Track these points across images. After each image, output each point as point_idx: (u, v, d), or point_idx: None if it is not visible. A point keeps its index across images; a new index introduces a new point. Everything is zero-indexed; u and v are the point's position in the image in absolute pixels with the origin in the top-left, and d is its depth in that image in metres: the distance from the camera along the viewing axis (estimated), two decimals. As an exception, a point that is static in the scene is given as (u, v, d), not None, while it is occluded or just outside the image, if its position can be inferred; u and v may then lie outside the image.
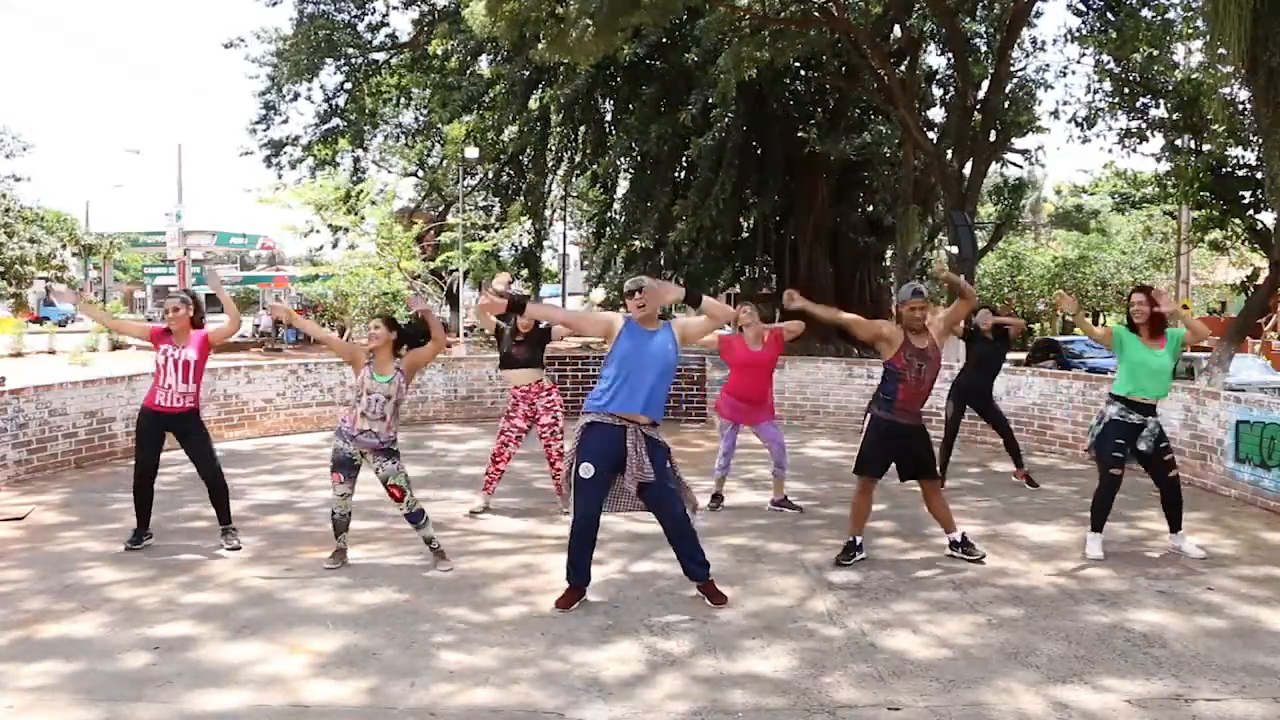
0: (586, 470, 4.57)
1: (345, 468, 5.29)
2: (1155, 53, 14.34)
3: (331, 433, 10.75)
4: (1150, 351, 5.55)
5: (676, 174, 21.23)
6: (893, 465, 5.55)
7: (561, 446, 6.74)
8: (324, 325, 31.17)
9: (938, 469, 5.67)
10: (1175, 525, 5.74)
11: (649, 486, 4.61)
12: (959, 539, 5.58)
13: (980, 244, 18.59)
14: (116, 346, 26.62)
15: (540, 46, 14.63)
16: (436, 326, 5.46)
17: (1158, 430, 5.59)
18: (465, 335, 25.28)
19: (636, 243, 19.56)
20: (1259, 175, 13.36)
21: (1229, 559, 5.59)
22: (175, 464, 5.94)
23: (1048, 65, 30.76)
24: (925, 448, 5.49)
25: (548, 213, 28.78)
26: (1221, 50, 8.80)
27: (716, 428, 6.93)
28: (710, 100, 16.87)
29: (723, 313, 4.92)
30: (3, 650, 4.12)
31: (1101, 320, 32.78)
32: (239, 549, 5.67)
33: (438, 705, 3.62)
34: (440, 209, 34.13)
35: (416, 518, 5.34)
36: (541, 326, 6.74)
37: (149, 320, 38.17)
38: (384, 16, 23.48)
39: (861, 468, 5.47)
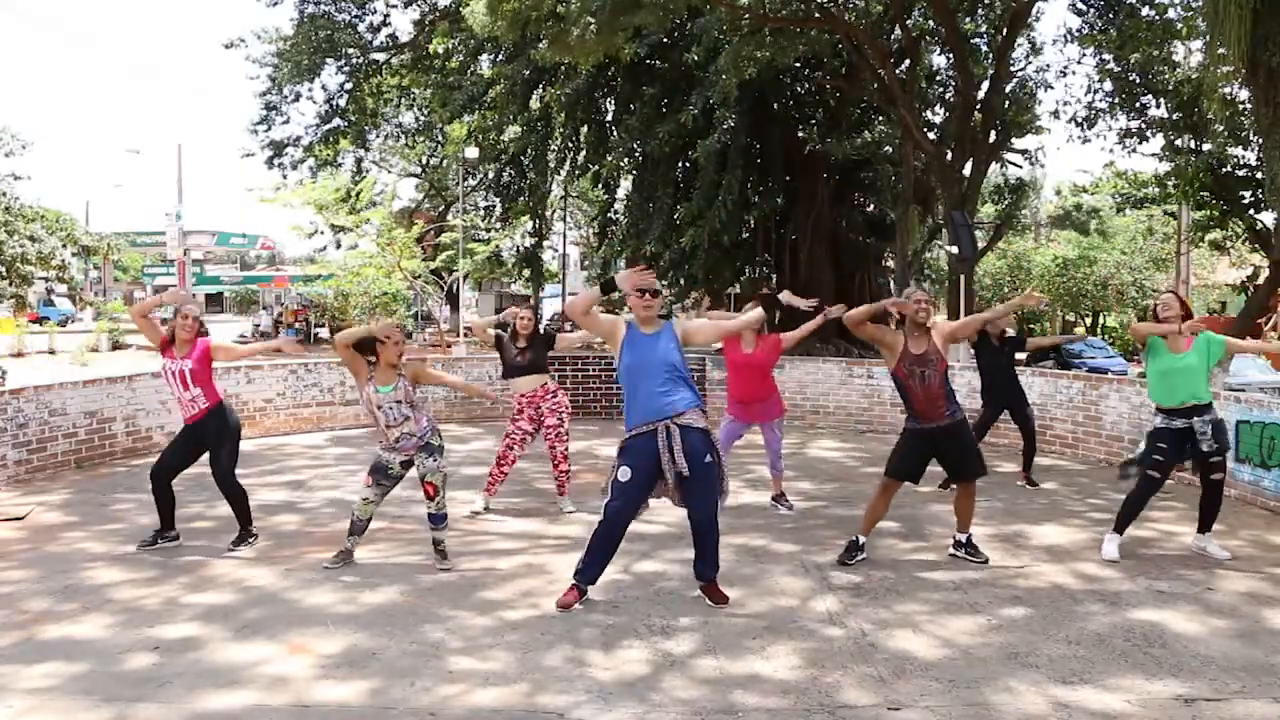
0: (624, 474, 4.58)
1: (380, 473, 5.31)
2: (1155, 52, 14.34)
3: (333, 432, 10.81)
4: (1174, 356, 5.49)
5: (678, 174, 21.22)
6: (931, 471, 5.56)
7: (566, 448, 6.75)
8: (324, 325, 31.23)
9: (976, 469, 5.54)
10: (1204, 526, 5.70)
11: (685, 477, 4.61)
12: (964, 540, 5.58)
13: (980, 244, 18.59)
14: (116, 346, 26.62)
15: (541, 46, 14.63)
16: (468, 387, 5.81)
17: (1209, 429, 5.43)
18: (465, 335, 25.29)
19: (646, 248, 19.52)
20: (1259, 175, 13.38)
21: (1230, 559, 5.59)
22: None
23: (1048, 65, 30.65)
24: (959, 448, 5.42)
25: (548, 213, 28.79)
26: (1221, 50, 8.79)
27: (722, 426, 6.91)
28: (712, 100, 16.87)
29: (743, 324, 5.30)
30: (4, 651, 4.12)
31: (1101, 320, 32.79)
32: (232, 550, 5.66)
33: (440, 706, 3.63)
34: (441, 209, 34.15)
35: (439, 520, 5.36)
36: (544, 331, 6.77)
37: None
38: (385, 16, 23.47)
39: (887, 467, 5.52)
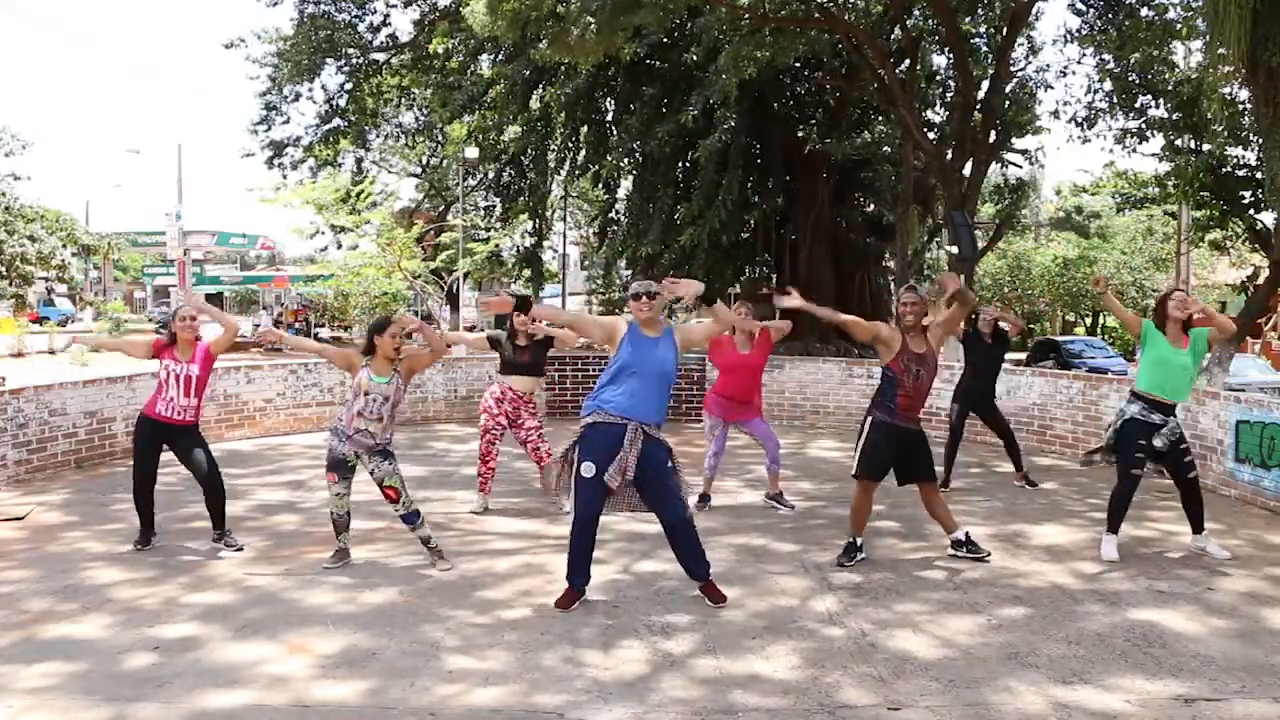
0: (588, 469, 4.55)
1: (340, 468, 5.29)
2: (1155, 52, 14.32)
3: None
4: (1174, 350, 5.54)
5: (678, 174, 21.23)
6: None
7: (550, 448, 6.75)
8: (324, 325, 31.23)
9: (937, 470, 5.65)
10: (1197, 526, 5.72)
11: (649, 486, 4.60)
12: (962, 538, 5.58)
13: (980, 244, 18.58)
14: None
15: (541, 46, 14.62)
16: (434, 339, 5.57)
17: (1177, 430, 5.58)
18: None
19: (645, 248, 19.51)
20: (1259, 175, 13.36)
21: (1229, 559, 5.59)
22: (175, 464, 5.92)
23: (1048, 65, 30.70)
24: (923, 451, 5.48)
25: (548, 213, 28.76)
26: (1221, 50, 8.78)
27: (706, 428, 6.93)
28: (712, 100, 16.87)
29: (728, 319, 5.11)
30: (4, 651, 4.12)
31: (1101, 321, 32.79)
32: (241, 549, 5.68)
33: (438, 706, 3.63)
34: (441, 209, 34.17)
35: (412, 518, 5.35)
36: (542, 334, 6.75)
37: (150, 320, 38.26)
38: (385, 17, 23.46)
39: (861, 471, 5.47)
